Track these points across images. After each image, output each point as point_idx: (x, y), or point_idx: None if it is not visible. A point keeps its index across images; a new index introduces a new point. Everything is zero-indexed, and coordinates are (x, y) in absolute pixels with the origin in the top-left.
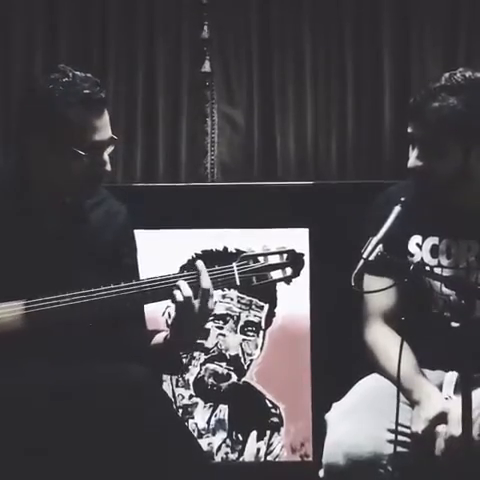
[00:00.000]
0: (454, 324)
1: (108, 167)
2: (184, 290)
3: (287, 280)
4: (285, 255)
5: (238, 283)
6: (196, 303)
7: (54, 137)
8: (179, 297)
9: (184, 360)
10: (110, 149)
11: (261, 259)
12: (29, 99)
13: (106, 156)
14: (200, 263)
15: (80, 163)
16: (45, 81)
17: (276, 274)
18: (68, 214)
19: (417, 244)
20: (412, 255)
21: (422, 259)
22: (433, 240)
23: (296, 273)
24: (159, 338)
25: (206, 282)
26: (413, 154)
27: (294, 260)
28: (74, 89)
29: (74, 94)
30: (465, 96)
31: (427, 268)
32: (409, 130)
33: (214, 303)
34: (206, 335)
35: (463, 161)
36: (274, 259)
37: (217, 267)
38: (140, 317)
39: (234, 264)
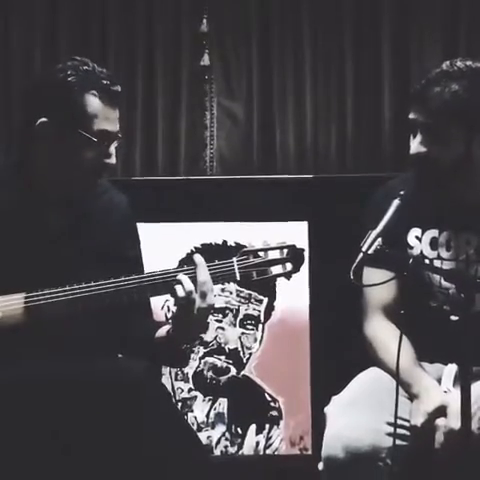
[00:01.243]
0: (453, 317)
1: (113, 160)
2: (186, 284)
3: (287, 275)
4: (285, 250)
5: (238, 278)
6: (197, 297)
7: (65, 121)
8: (180, 292)
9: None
10: (115, 144)
11: (261, 254)
12: (43, 84)
13: (112, 149)
14: (198, 256)
15: (87, 151)
16: (62, 67)
17: (276, 269)
18: (70, 207)
19: (416, 237)
20: (411, 247)
21: (422, 251)
22: (433, 233)
23: (296, 268)
24: (162, 331)
25: (203, 275)
26: (415, 140)
27: (294, 255)
28: (93, 77)
29: (93, 82)
30: (466, 82)
31: (426, 261)
32: (411, 116)
33: (214, 297)
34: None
35: (465, 148)
36: (274, 254)
37: (217, 262)
38: (145, 309)
39: (234, 259)
